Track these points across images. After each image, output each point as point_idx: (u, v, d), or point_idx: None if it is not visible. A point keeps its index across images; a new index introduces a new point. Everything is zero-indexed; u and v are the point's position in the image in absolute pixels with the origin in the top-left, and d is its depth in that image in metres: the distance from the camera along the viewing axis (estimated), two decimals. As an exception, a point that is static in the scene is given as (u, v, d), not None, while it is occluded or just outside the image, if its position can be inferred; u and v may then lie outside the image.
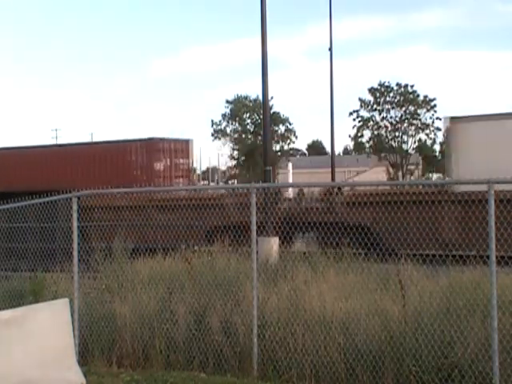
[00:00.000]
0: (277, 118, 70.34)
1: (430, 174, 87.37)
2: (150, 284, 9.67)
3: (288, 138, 70.72)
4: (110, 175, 27.62)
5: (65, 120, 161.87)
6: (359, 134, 61.09)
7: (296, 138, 70.90)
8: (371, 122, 59.85)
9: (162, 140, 29.56)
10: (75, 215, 9.44)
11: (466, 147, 19.79)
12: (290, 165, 60.09)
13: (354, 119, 60.95)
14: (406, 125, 60.19)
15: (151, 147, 28.78)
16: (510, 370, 7.10)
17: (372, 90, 61.54)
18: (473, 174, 17.68)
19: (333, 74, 32.96)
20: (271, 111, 61.12)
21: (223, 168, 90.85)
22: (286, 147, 71.15)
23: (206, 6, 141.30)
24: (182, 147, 29.67)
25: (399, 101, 60.81)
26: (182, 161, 29.54)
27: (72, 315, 8.17)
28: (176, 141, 30.22)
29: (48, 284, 10.70)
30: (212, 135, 74.74)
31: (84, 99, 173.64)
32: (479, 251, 8.03)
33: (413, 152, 64.20)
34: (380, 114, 60.86)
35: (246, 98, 74.35)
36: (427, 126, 60.45)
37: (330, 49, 33.13)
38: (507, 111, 21.34)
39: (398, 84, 61.40)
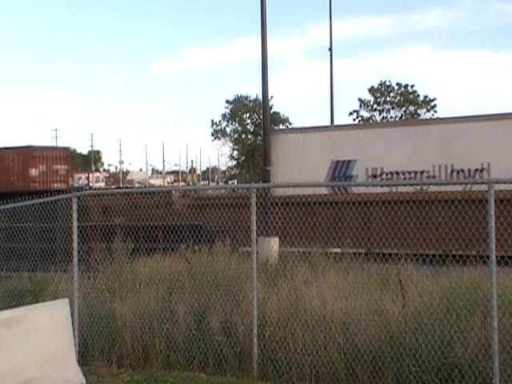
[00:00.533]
0: (277, 118, 70.36)
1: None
2: (150, 284, 9.67)
3: (288, 137, 70.66)
4: None
5: (65, 120, 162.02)
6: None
7: (296, 137, 70.85)
8: (371, 122, 59.89)
9: (38, 148, 32.67)
10: (75, 215, 9.44)
11: (283, 154, 22.54)
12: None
13: (354, 119, 60.99)
14: (406, 125, 60.09)
15: (27, 155, 31.43)
16: (510, 369, 7.10)
17: (372, 90, 61.57)
18: (289, 177, 20.06)
19: (333, 74, 33.01)
20: (271, 111, 61.10)
21: (223, 168, 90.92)
22: (286, 147, 71.09)
23: (207, 7, 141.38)
24: (59, 155, 32.65)
25: (399, 101, 60.83)
26: (59, 167, 32.33)
27: (72, 315, 8.17)
28: (53, 149, 33.99)
29: (48, 284, 10.70)
30: (212, 135, 74.81)
31: (84, 99, 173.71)
32: (479, 251, 8.16)
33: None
34: (380, 114, 60.90)
35: (246, 98, 74.40)
36: (427, 125, 60.31)
37: (330, 49, 33.20)
38: (318, 125, 25.01)
39: (398, 84, 61.46)
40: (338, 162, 21.94)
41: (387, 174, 21.16)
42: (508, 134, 19.80)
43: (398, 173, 20.97)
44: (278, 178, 22.25)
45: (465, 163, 20.05)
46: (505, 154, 19.30)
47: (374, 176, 21.38)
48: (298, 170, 20.92)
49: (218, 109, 79.19)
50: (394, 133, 21.70)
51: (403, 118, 60.30)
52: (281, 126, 70.01)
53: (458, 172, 20.16)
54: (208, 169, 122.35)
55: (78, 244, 9.46)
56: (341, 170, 21.93)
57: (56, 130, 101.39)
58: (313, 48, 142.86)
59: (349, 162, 21.74)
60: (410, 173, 20.76)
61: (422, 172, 20.61)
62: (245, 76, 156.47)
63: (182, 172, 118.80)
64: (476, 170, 20.05)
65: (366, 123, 22.04)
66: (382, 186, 19.97)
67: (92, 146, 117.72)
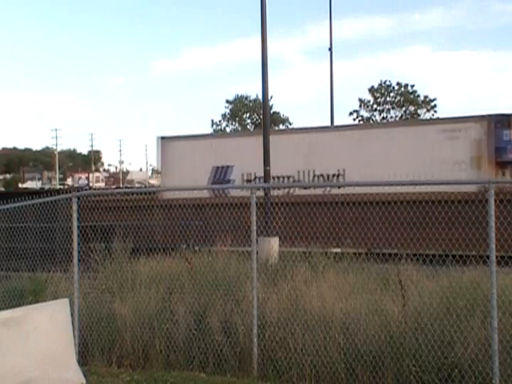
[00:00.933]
0: (277, 118, 70.39)
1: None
2: (150, 284, 9.67)
3: (288, 137, 70.66)
4: None
5: (65, 120, 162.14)
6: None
7: (296, 137, 70.85)
8: (371, 122, 59.94)
9: None
10: (75, 215, 9.44)
11: (171, 160, 24.96)
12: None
13: (354, 119, 61.01)
14: (406, 125, 60.12)
15: None
16: (510, 369, 7.10)
17: (372, 90, 61.57)
18: (177, 182, 22.43)
19: (333, 73, 33.06)
20: (271, 111, 61.13)
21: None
22: (286, 147, 71.07)
23: (207, 7, 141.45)
24: None
25: (399, 101, 60.84)
26: None
27: (72, 315, 8.17)
28: None
29: (48, 284, 10.70)
30: (212, 135, 74.61)
31: (84, 99, 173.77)
32: (479, 251, 8.20)
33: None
34: (380, 114, 60.91)
35: (246, 98, 74.41)
36: (427, 125, 60.34)
37: (330, 49, 33.23)
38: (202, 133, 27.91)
39: (398, 84, 61.44)
40: (218, 167, 24.19)
41: (259, 179, 23.02)
42: (360, 142, 21.96)
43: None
44: (167, 182, 24.92)
45: (324, 169, 22.25)
46: (358, 160, 21.45)
47: (249, 180, 23.62)
48: (184, 175, 23.03)
49: (218, 109, 79.25)
50: (262, 141, 23.86)
51: (403, 117, 60.30)
52: (281, 126, 70.08)
53: (318, 177, 22.45)
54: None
55: (78, 244, 9.46)
56: (220, 175, 24.23)
57: (56, 130, 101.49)
58: (313, 48, 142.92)
59: (227, 167, 24.08)
60: (278, 177, 22.67)
61: (288, 177, 22.80)
62: (245, 76, 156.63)
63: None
64: (333, 175, 22.28)
65: (240, 132, 25.31)
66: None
67: (92, 146, 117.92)
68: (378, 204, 10.95)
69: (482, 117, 21.70)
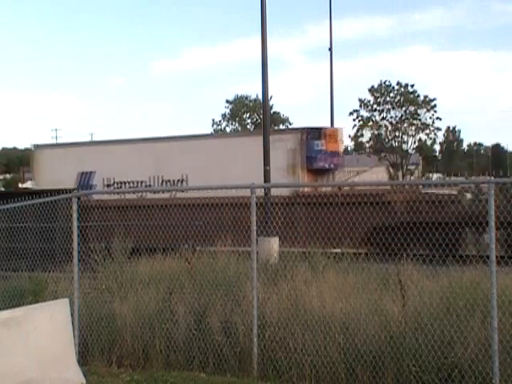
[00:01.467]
0: (277, 118, 70.44)
1: (430, 174, 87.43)
2: (150, 284, 9.67)
3: (288, 137, 70.66)
4: None
5: (65, 120, 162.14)
6: (359, 134, 61.13)
7: (296, 137, 70.86)
8: (371, 122, 59.87)
9: None
10: (75, 215, 9.44)
11: (42, 166, 27.78)
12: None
13: (354, 119, 60.94)
14: (406, 125, 60.18)
15: None
16: (510, 369, 7.11)
17: (372, 90, 61.50)
18: (47, 186, 23.34)
19: (333, 74, 33.13)
20: (271, 111, 61.18)
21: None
22: (286, 147, 71.08)
23: (207, 7, 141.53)
24: None
25: (399, 101, 60.77)
26: None
27: (72, 315, 8.17)
28: None
29: (48, 284, 10.69)
30: (212, 135, 74.58)
31: (84, 99, 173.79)
32: (479, 251, 8.19)
33: (413, 152, 64.31)
34: (380, 114, 60.86)
35: (246, 98, 74.47)
36: (427, 126, 60.46)
37: (330, 49, 33.28)
38: (70, 141, 31.31)
39: (398, 83, 61.37)
40: (82, 173, 26.65)
41: (117, 184, 25.73)
42: (199, 151, 24.28)
43: (124, 182, 25.54)
44: (40, 180, 27.27)
45: (171, 175, 24.60)
46: (198, 167, 23.71)
47: (109, 185, 25.74)
48: (54, 180, 24.83)
49: (218, 109, 79.30)
50: (120, 149, 26.11)
51: (403, 118, 60.27)
52: (281, 126, 70.10)
53: (166, 182, 24.71)
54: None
55: (78, 244, 9.46)
56: (85, 180, 26.62)
57: (56, 129, 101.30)
58: (313, 48, 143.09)
59: (90, 173, 26.54)
60: (133, 182, 25.23)
61: (141, 182, 25.06)
62: (245, 76, 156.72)
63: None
64: (178, 180, 24.55)
65: (100, 141, 28.38)
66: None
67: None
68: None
69: (297, 129, 25.35)
